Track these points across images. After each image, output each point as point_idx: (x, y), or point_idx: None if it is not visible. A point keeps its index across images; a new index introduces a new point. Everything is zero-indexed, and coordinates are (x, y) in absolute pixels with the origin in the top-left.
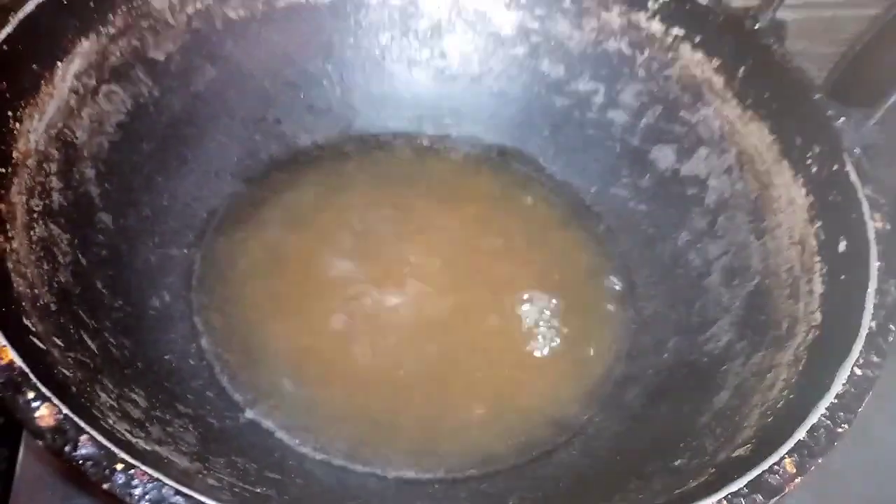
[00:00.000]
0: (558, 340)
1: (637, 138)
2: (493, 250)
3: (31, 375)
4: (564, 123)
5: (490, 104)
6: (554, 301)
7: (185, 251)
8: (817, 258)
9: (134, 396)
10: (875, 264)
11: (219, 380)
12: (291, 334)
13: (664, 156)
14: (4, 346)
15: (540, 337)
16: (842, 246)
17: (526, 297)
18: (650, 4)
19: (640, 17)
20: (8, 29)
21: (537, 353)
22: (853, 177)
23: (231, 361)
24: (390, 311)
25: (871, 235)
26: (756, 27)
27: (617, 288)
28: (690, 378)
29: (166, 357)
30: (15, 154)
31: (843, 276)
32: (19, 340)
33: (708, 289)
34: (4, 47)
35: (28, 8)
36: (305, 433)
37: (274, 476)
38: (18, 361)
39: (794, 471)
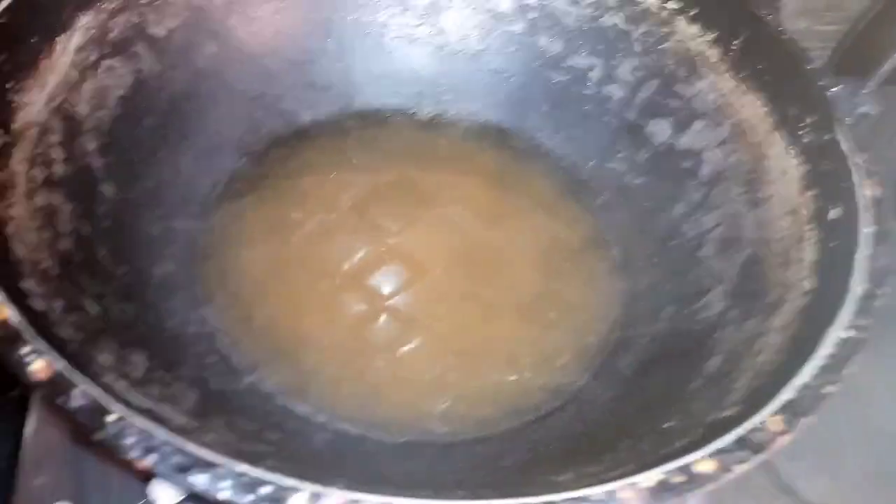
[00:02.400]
0: (555, 310)
1: (633, 113)
2: (492, 224)
3: (27, 332)
4: (562, 99)
5: (488, 80)
6: (551, 272)
7: (188, 223)
8: (809, 226)
9: (134, 359)
10: (866, 230)
11: (219, 347)
12: (292, 305)
13: (660, 130)
14: (1, 303)
15: (536, 307)
16: (833, 213)
17: (524, 267)
18: None
19: None
20: (6, 1)
21: (534, 323)
22: (845, 145)
23: (232, 329)
24: (389, 284)
25: (862, 202)
26: None
27: (613, 259)
28: (683, 345)
29: (168, 324)
30: (15, 125)
31: (834, 243)
32: (17, 300)
33: (702, 259)
34: (2, 20)
35: None
36: (304, 397)
37: (273, 436)
38: (14, 318)
39: (781, 428)
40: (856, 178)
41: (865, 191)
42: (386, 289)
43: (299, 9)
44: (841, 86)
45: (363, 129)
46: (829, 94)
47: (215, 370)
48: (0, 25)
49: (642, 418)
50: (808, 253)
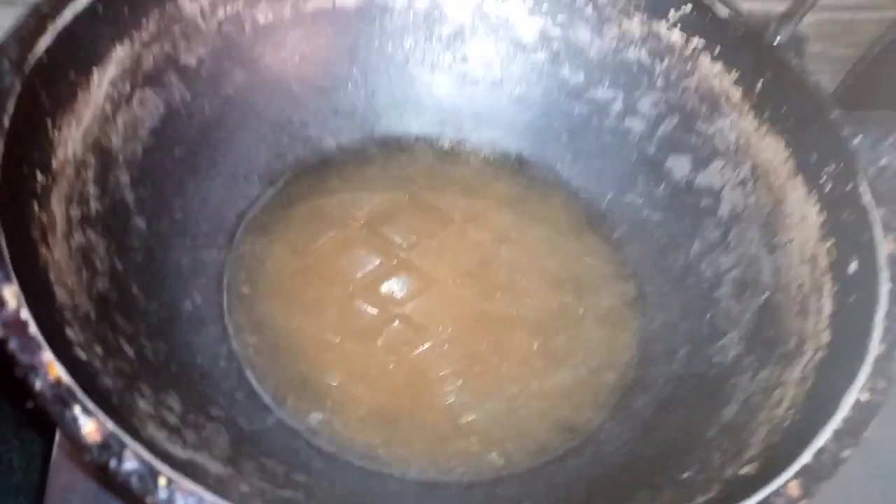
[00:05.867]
0: (571, 346)
1: (653, 147)
2: (509, 254)
3: (77, 390)
4: (582, 130)
5: (510, 109)
6: (567, 306)
7: (216, 253)
8: (827, 276)
9: (170, 402)
10: (885, 287)
11: (248, 381)
12: (318, 335)
13: (679, 166)
14: (52, 361)
15: (552, 342)
16: (853, 266)
17: (539, 301)
18: (671, 14)
19: (661, 27)
20: (47, 39)
21: (550, 358)
22: (867, 197)
23: (260, 363)
24: (412, 313)
25: (883, 258)
26: (776, 41)
27: (629, 295)
28: (699, 389)
29: (198, 360)
30: (55, 163)
31: (852, 297)
32: (64, 354)
33: (719, 300)
34: (44, 58)
35: (66, 17)
36: (331, 434)
37: (301, 479)
38: (65, 377)
39: (799, 493)
40: (877, 232)
41: (888, 246)
42: (408, 320)
43: (325, 35)
44: (863, 135)
45: (385, 155)
46: (852, 142)
47: (244, 407)
48: (42, 63)
49: (660, 465)
50: (827, 305)
